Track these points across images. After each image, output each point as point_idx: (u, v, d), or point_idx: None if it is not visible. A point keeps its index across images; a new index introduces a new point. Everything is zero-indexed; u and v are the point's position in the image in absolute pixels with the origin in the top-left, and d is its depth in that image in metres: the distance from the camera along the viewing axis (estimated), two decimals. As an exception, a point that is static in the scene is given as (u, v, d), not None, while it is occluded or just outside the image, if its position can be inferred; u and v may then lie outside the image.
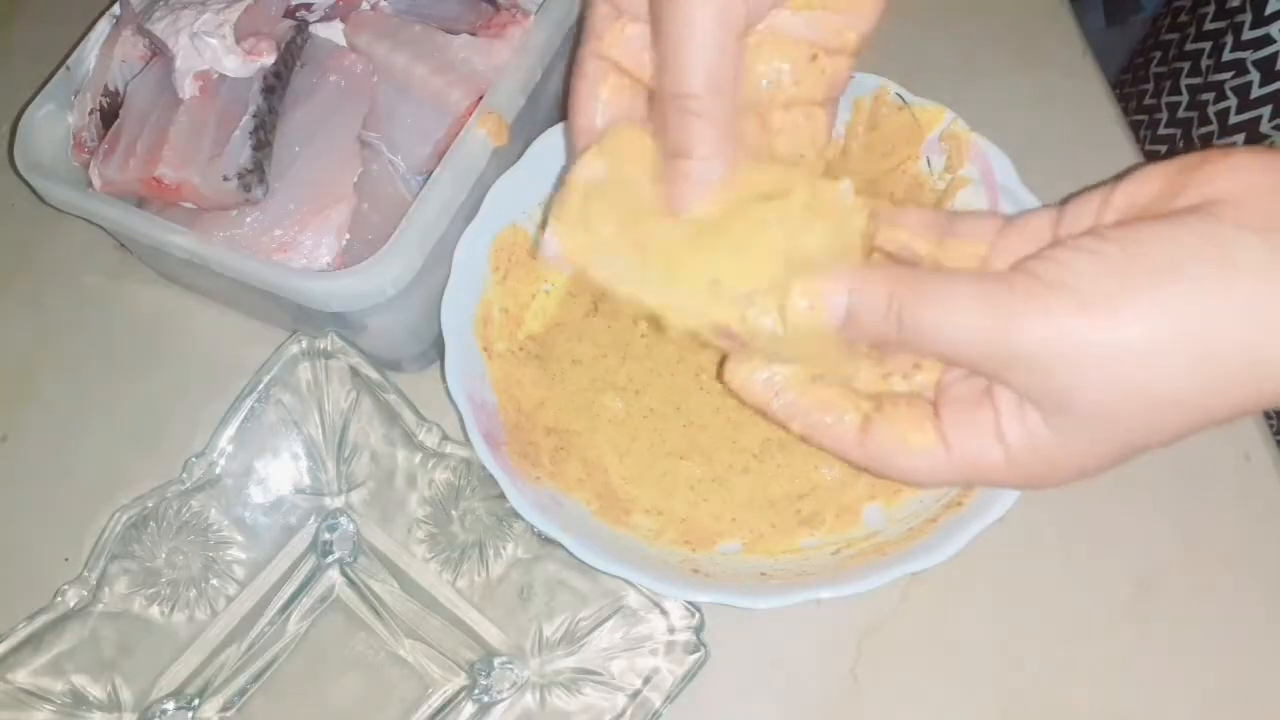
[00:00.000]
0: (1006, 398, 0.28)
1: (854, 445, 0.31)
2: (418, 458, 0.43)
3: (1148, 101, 0.66)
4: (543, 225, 0.33)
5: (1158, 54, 0.66)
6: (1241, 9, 0.57)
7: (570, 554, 0.37)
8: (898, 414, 0.31)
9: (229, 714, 0.42)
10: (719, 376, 0.34)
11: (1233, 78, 0.57)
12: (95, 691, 0.41)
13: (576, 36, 0.35)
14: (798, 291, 0.29)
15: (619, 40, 0.33)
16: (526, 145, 0.44)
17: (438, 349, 0.42)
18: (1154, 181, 0.28)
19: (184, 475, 0.43)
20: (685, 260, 0.31)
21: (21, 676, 0.40)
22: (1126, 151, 0.51)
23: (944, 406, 0.30)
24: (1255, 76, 0.56)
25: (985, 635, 0.41)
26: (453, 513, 0.43)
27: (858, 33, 0.33)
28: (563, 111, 0.36)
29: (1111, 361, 0.25)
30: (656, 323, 0.31)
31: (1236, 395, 0.25)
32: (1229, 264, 0.24)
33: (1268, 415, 0.45)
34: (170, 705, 0.41)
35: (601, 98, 0.34)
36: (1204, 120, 0.60)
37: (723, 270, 0.30)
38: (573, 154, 0.35)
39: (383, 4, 0.47)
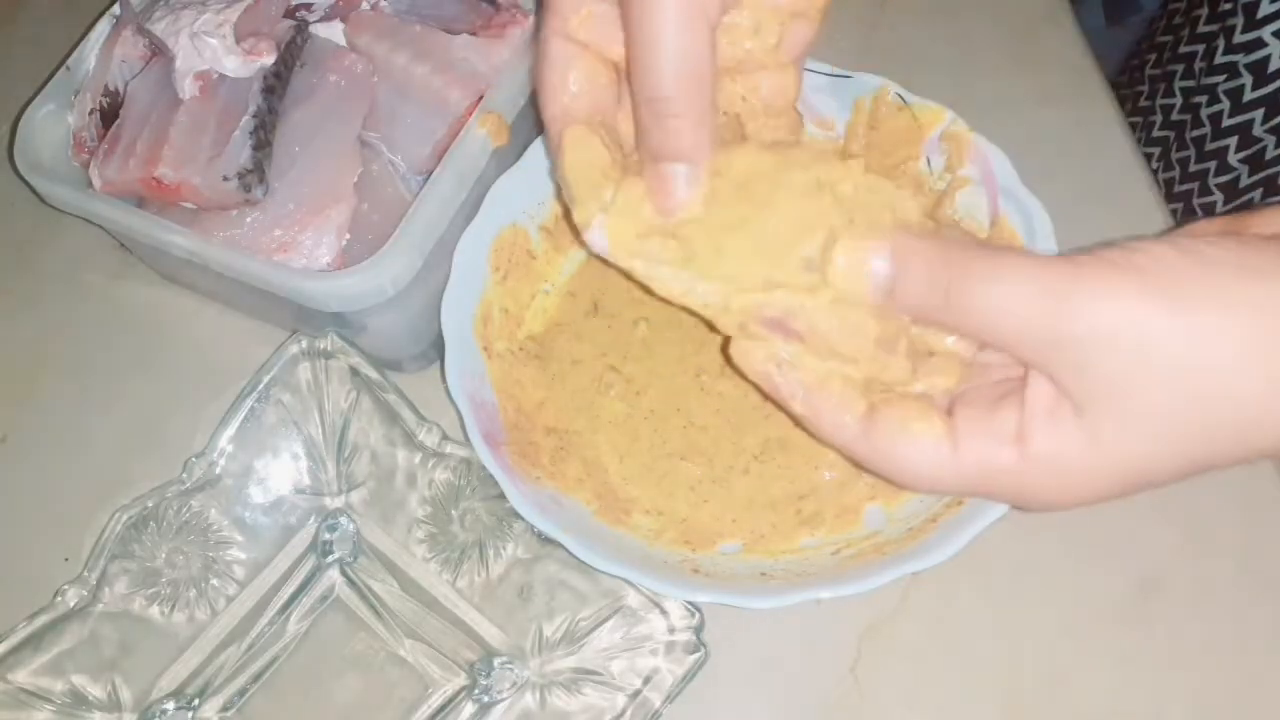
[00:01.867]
0: (1039, 395, 0.26)
1: (855, 432, 0.29)
2: (418, 458, 0.43)
3: (1142, 104, 0.66)
4: (568, 215, 0.32)
5: (1152, 56, 0.66)
6: (1233, 12, 0.57)
7: (570, 554, 0.37)
8: (905, 403, 0.29)
9: (229, 714, 0.42)
10: (723, 349, 0.33)
11: (1225, 80, 0.57)
12: (95, 691, 0.41)
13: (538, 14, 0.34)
14: (841, 246, 0.28)
15: (586, 22, 0.32)
16: (526, 145, 0.44)
17: (438, 349, 0.42)
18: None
19: (184, 475, 0.43)
20: (731, 248, 0.30)
21: (21, 676, 0.40)
22: (1126, 152, 0.51)
23: (959, 404, 0.29)
24: (1248, 80, 0.56)
25: (985, 635, 0.41)
26: (453, 513, 0.43)
27: None
28: (532, 98, 0.35)
29: (1170, 353, 0.23)
30: (701, 318, 0.31)
31: None
32: None
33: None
34: (170, 705, 0.41)
35: (572, 85, 0.33)
36: (1197, 123, 0.60)
37: (769, 252, 0.29)
38: (551, 143, 0.34)
39: (383, 4, 0.47)
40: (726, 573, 0.39)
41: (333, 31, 0.46)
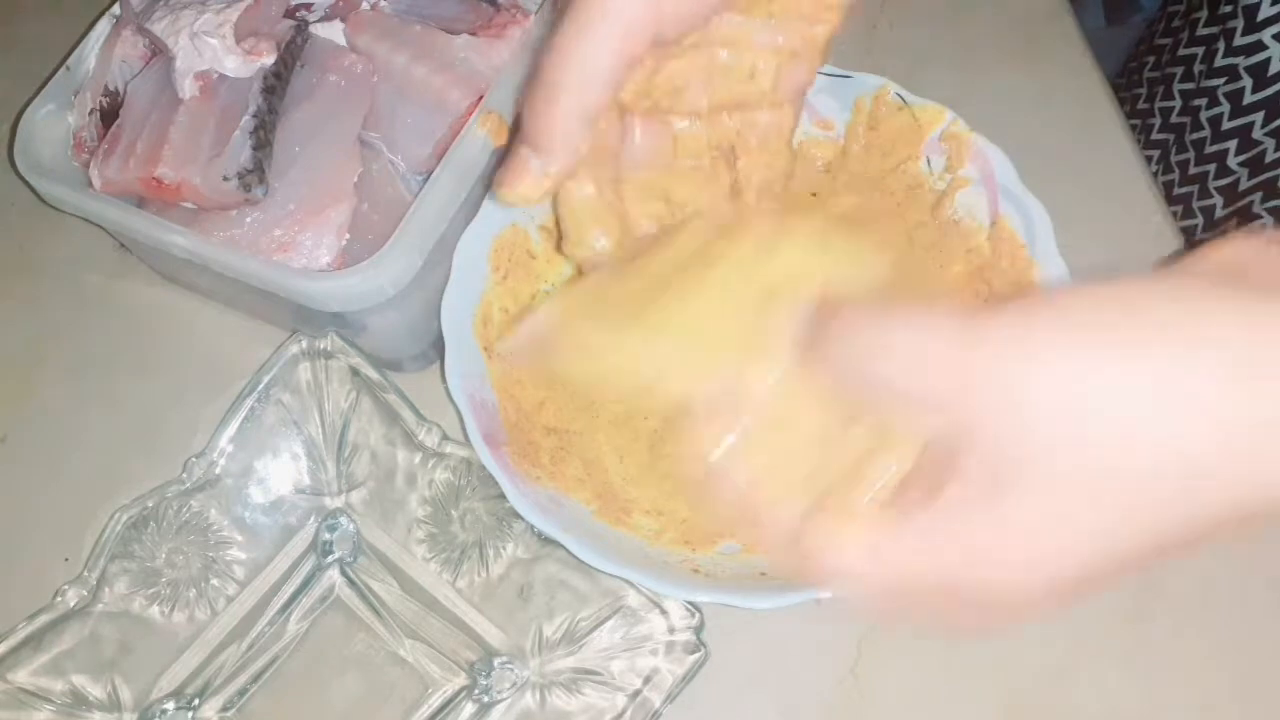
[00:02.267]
0: (960, 478, 0.23)
1: (787, 539, 0.26)
2: (418, 458, 0.43)
3: (1141, 106, 0.66)
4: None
5: (1151, 59, 0.66)
6: (1234, 15, 0.56)
7: (570, 554, 0.37)
8: (839, 510, 0.25)
9: (229, 714, 0.42)
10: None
11: (1225, 83, 0.57)
12: (95, 691, 0.41)
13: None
14: (769, 310, 0.28)
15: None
16: (526, 145, 0.44)
17: (438, 349, 0.42)
18: None
19: (184, 475, 0.43)
20: (665, 341, 0.30)
21: (21, 676, 0.40)
22: (1127, 152, 0.51)
23: (896, 498, 0.25)
24: (1247, 82, 0.56)
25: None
26: (453, 513, 0.43)
27: (828, 28, 0.32)
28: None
29: (1070, 400, 0.21)
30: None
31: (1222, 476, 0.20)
32: (1200, 316, 0.20)
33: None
34: (170, 705, 0.41)
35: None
36: (1196, 126, 0.60)
37: (708, 337, 0.29)
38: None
39: (383, 4, 0.47)
40: (726, 573, 0.39)
41: (333, 31, 0.46)
